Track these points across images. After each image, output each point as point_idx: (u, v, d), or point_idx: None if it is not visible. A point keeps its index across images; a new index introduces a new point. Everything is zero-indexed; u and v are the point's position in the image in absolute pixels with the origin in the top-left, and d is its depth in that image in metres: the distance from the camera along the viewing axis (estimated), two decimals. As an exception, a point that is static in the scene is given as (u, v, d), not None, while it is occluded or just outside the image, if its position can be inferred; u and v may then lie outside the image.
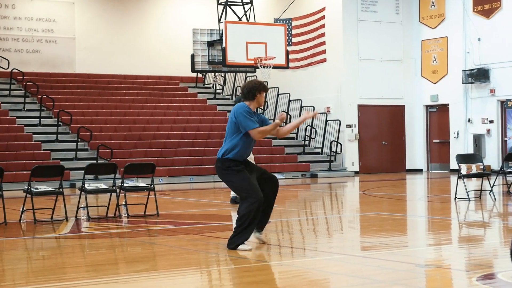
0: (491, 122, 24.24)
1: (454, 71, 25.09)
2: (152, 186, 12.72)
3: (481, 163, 15.40)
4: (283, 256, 8.54)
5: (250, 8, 23.43)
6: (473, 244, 9.35)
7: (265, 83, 9.59)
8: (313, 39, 25.51)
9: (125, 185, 12.76)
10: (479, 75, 24.11)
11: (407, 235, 10.64)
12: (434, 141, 26.32)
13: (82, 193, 12.37)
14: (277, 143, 25.21)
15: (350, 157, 25.39)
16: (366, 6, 25.61)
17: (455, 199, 14.49)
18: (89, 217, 12.07)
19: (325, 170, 24.41)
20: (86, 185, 12.45)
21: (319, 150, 25.62)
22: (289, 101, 26.76)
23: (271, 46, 22.09)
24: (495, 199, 14.61)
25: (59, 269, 7.92)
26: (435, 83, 25.89)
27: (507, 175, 16.19)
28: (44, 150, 21.66)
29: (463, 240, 9.91)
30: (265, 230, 9.16)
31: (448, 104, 25.53)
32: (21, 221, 11.87)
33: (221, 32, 22.09)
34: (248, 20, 23.25)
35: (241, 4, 23.35)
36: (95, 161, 20.89)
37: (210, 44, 22.49)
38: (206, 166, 22.58)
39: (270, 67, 22.00)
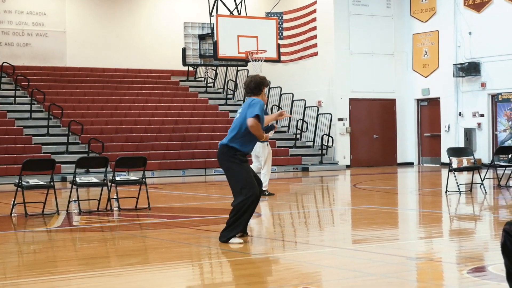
0: (482, 115, 24.29)
1: (445, 65, 25.12)
2: (143, 179, 12.70)
3: (472, 157, 15.46)
4: (275, 249, 8.55)
5: (241, 1, 23.41)
6: (464, 237, 9.39)
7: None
8: (305, 32, 25.48)
9: (117, 178, 12.75)
10: (470, 69, 24.16)
11: (398, 228, 10.66)
12: (425, 134, 26.35)
13: (73, 186, 12.34)
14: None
15: (342, 150, 25.42)
16: (357, 0, 25.61)
17: (446, 192, 14.53)
18: (81, 210, 12.05)
19: (316, 163, 24.43)
20: (77, 179, 12.43)
21: (311, 143, 25.63)
22: (281, 94, 26.74)
23: (263, 40, 22.10)
24: (485, 192, 14.65)
25: (50, 263, 7.92)
26: (426, 77, 25.92)
27: (498, 168, 16.23)
28: (35, 143, 21.60)
29: (454, 233, 9.94)
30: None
31: (439, 98, 25.57)
32: (12, 214, 11.85)
33: (212, 26, 22.07)
34: (239, 13, 23.23)
35: (232, -3, 23.33)
36: (86, 155, 20.84)
37: (202, 37, 22.48)
38: (198, 160, 22.57)
39: (261, 60, 22.00)
